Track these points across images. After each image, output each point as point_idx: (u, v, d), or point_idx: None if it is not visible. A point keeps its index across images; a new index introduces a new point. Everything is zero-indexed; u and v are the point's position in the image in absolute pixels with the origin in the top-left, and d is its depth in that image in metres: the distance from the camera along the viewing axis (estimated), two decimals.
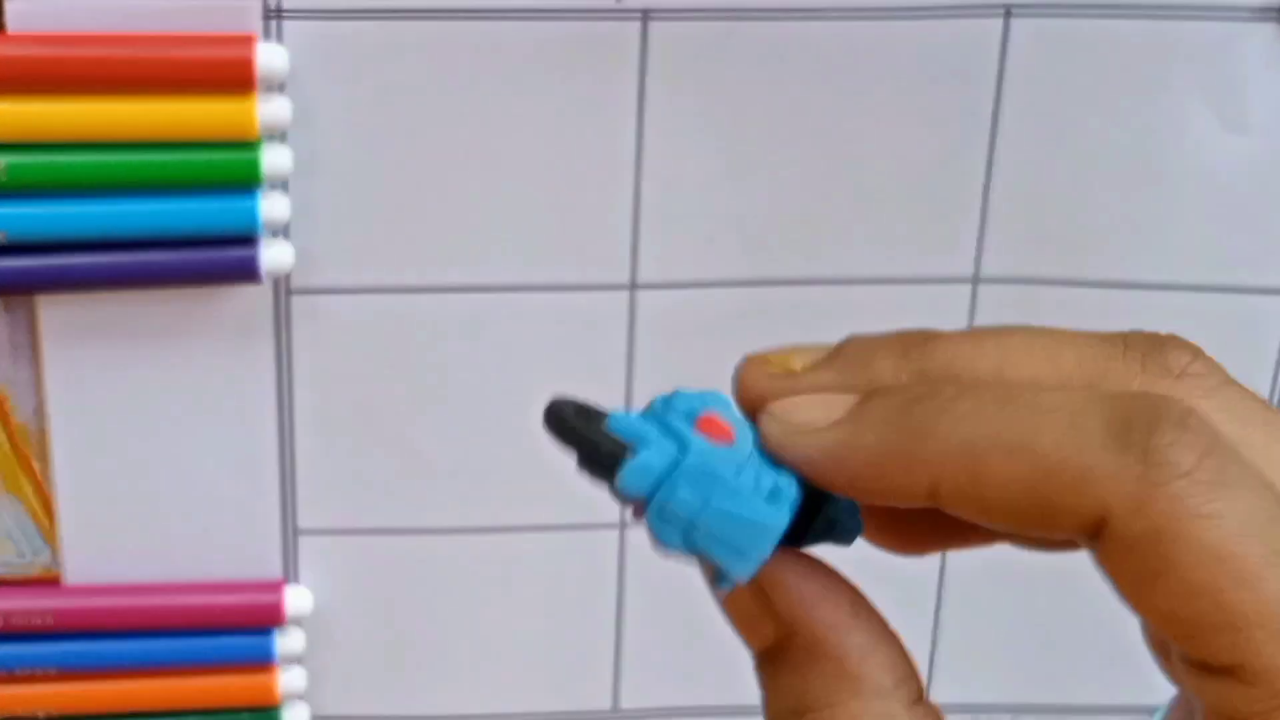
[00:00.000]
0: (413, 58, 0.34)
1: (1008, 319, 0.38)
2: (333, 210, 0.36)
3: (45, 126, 0.33)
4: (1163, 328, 0.40)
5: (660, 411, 0.25)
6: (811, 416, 0.24)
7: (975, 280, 0.38)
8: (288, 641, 0.39)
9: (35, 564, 0.39)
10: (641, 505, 0.24)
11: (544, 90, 0.35)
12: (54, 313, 0.36)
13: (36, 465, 0.38)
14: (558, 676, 0.42)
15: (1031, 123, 0.36)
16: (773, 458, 0.25)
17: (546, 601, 0.41)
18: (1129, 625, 0.43)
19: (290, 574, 0.39)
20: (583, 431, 0.24)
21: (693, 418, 0.25)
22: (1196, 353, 0.23)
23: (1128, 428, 0.21)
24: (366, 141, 0.35)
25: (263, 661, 0.39)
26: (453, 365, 0.38)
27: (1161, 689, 0.40)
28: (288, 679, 0.40)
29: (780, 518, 0.24)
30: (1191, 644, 0.21)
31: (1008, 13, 0.35)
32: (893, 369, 0.25)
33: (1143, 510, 0.21)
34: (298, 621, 0.40)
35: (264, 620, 0.39)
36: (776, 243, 0.37)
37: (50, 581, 0.39)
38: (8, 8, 0.33)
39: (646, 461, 0.24)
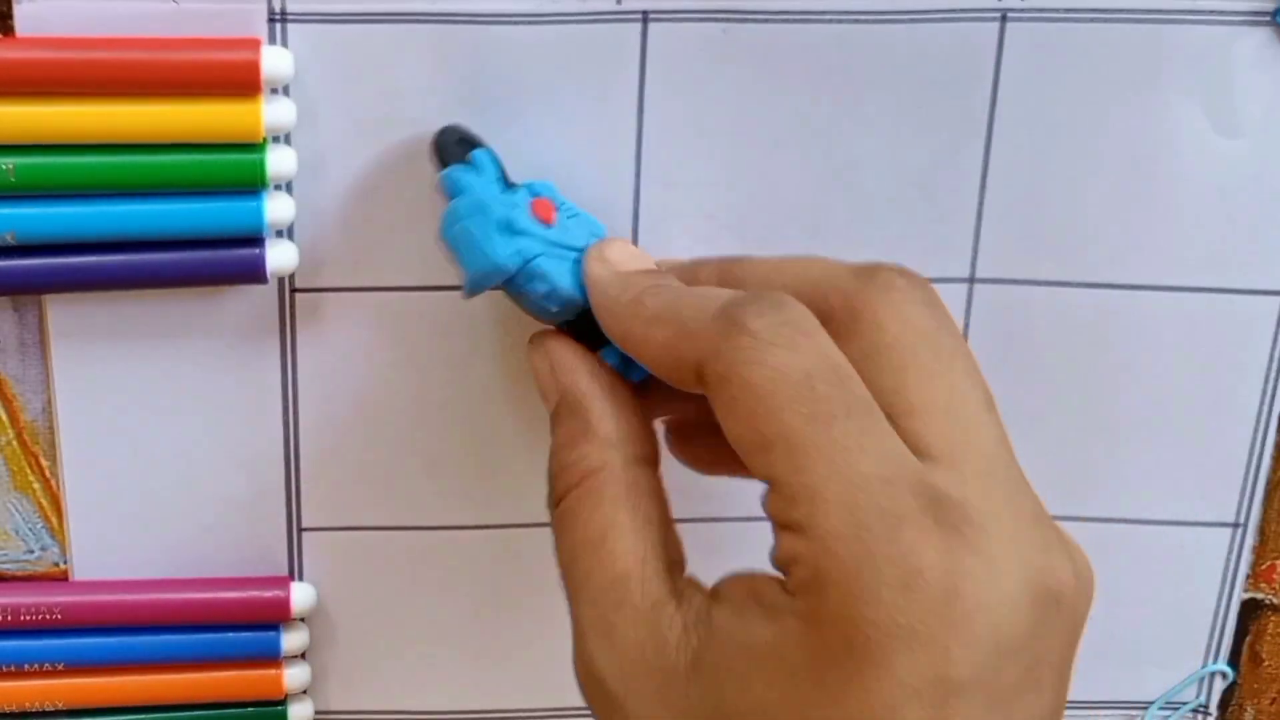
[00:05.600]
0: (415, 61, 0.35)
1: (1003, 319, 0.38)
2: (336, 211, 0.36)
3: (53, 129, 0.33)
4: (1155, 328, 0.40)
5: (523, 183, 0.34)
6: (618, 260, 0.33)
7: (971, 281, 0.38)
8: (293, 637, 0.39)
9: (44, 560, 0.39)
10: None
11: (545, 92, 0.35)
12: (62, 312, 0.36)
13: (45, 463, 0.38)
14: (560, 672, 0.42)
15: (1026, 125, 0.37)
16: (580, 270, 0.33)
17: (548, 597, 0.41)
18: (1118, 620, 0.44)
19: (295, 570, 0.40)
20: (445, 144, 0.34)
21: (534, 194, 0.34)
22: (906, 276, 0.29)
23: (734, 304, 0.28)
24: (370, 143, 0.35)
25: (268, 657, 0.39)
26: (455, 363, 0.38)
27: (1151, 684, 0.40)
28: (293, 674, 0.40)
29: (505, 261, 0.32)
30: (749, 463, 0.28)
31: (1003, 17, 0.36)
32: (707, 273, 0.33)
33: (719, 358, 0.27)
34: (303, 617, 0.40)
35: (269, 616, 0.39)
36: (775, 243, 0.37)
37: (58, 578, 0.39)
38: (16, 11, 0.33)
39: (455, 175, 0.33)
